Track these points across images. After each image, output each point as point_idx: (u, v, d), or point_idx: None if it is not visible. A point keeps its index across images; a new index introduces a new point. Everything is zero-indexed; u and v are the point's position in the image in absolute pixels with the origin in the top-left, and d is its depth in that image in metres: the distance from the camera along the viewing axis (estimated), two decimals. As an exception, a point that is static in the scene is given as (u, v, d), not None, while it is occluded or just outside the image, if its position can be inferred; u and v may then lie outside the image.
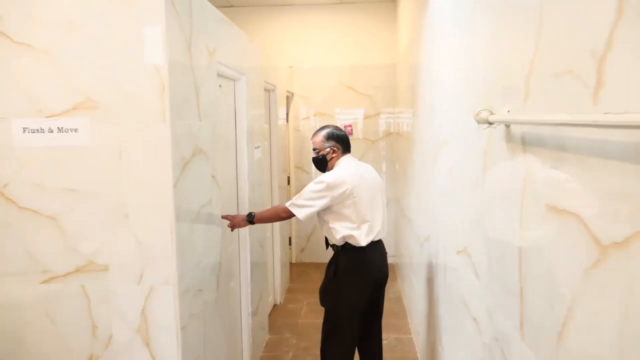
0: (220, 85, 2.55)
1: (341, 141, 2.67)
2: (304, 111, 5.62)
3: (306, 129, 5.63)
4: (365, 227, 2.53)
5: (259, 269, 3.40)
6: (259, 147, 3.41)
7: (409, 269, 4.09)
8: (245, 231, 3.03)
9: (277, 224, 4.42)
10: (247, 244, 3.05)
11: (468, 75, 1.87)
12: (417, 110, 3.56)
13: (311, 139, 2.73)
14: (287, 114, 5.41)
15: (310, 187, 2.51)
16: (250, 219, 2.60)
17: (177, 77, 1.83)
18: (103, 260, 1.82)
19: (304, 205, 2.50)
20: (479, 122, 1.49)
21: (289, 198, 6.00)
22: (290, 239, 5.57)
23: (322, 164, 2.67)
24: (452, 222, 2.19)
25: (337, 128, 2.71)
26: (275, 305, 4.34)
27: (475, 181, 1.76)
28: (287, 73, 5.25)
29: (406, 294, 4.34)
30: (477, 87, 1.73)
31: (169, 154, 1.77)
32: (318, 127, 2.78)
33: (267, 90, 4.06)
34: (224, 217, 2.48)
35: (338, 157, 2.66)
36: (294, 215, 2.53)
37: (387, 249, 2.75)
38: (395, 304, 4.39)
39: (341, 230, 2.52)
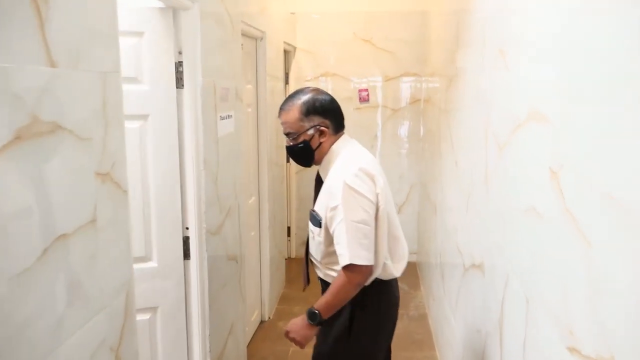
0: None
1: (330, 114, 1.70)
2: (310, 70, 4.49)
3: (311, 93, 4.51)
4: (398, 247, 1.71)
5: (231, 292, 2.41)
6: (230, 116, 2.35)
7: (437, 277, 3.05)
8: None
9: (265, 202, 3.39)
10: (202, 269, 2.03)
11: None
12: (463, 71, 2.43)
13: (279, 117, 1.73)
14: (287, 74, 4.30)
15: (340, 202, 1.56)
16: (317, 319, 1.61)
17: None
18: None
19: (362, 241, 1.55)
20: None
21: (288, 179, 5.14)
22: (289, 228, 4.56)
23: (304, 155, 1.71)
24: (551, 262, 1.13)
25: (318, 91, 1.73)
26: (262, 323, 3.36)
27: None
28: (288, 21, 4.11)
29: (432, 312, 3.32)
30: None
31: None
32: (289, 94, 1.76)
33: (250, 36, 2.96)
34: (286, 336, 1.69)
35: (330, 141, 1.71)
36: (369, 269, 1.58)
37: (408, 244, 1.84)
38: (418, 325, 3.37)
39: None
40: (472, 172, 2.07)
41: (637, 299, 0.77)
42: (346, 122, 1.78)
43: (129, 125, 1.85)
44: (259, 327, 3.29)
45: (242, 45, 2.72)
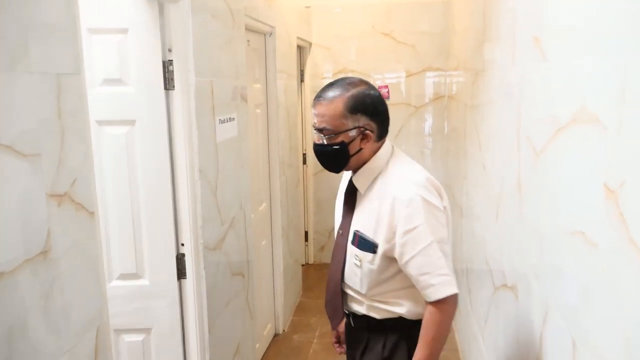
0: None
1: (379, 116, 1.38)
2: (327, 67, 4.26)
3: (328, 91, 4.28)
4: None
5: (236, 310, 2.21)
6: (232, 119, 2.15)
7: (462, 288, 2.80)
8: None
9: (278, 208, 3.20)
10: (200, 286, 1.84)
11: None
12: (491, 64, 2.17)
13: (314, 107, 1.38)
14: (302, 72, 4.09)
15: (424, 222, 1.29)
16: None
17: None
18: None
19: (450, 263, 1.31)
20: None
21: (306, 180, 4.82)
22: (306, 233, 4.35)
23: (338, 158, 1.38)
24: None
25: (369, 86, 1.40)
26: (275, 336, 3.17)
27: None
28: (302, 15, 3.89)
29: (459, 325, 3.06)
30: None
31: None
32: (331, 81, 1.40)
33: (258, 32, 2.76)
34: None
35: (371, 148, 1.39)
36: (455, 297, 1.31)
37: None
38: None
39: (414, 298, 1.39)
40: (503, 177, 1.81)
41: None
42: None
43: (114, 131, 1.69)
44: (272, 341, 3.10)
45: (248, 41, 2.52)
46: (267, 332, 3.02)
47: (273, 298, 3.13)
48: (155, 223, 1.74)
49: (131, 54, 1.63)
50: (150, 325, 1.81)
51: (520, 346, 1.52)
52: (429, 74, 4.16)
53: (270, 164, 3.02)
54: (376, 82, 4.21)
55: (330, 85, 1.38)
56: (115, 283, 1.76)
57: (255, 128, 2.71)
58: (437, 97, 4.18)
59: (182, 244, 1.78)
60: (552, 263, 1.21)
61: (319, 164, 1.43)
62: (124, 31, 1.62)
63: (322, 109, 1.34)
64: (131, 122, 1.68)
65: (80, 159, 1.11)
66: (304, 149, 4.20)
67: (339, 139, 1.35)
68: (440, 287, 1.27)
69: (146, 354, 1.83)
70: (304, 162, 4.22)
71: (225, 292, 2.10)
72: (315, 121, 1.37)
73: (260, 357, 2.85)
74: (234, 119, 2.17)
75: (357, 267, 1.39)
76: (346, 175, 1.52)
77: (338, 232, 1.48)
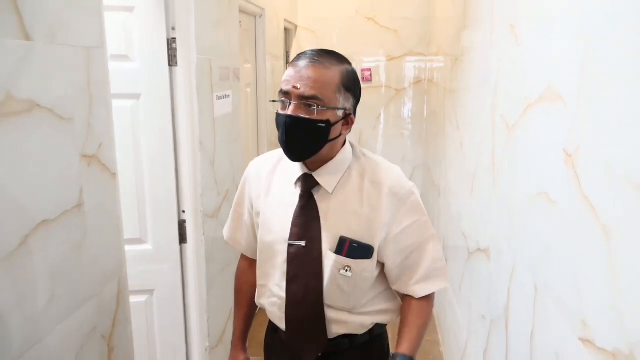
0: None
1: (357, 103, 1.20)
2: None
3: (313, 73, 4.40)
4: None
5: (230, 276, 2.36)
6: (227, 96, 2.27)
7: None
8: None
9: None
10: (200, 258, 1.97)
11: None
12: (469, 49, 2.33)
13: (303, 70, 1.09)
14: (288, 53, 4.19)
15: (425, 215, 1.21)
16: None
17: None
18: None
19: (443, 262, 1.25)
20: None
21: None
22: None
23: (317, 140, 1.11)
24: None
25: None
26: (261, 306, 3.33)
27: None
28: (289, -2, 3.98)
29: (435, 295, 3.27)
30: None
31: None
32: (324, 48, 1.17)
33: (249, 13, 2.86)
34: None
35: (342, 140, 1.19)
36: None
37: None
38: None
39: (394, 297, 1.30)
40: (479, 154, 1.99)
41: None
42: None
43: (120, 104, 1.78)
44: (259, 310, 3.25)
45: (240, 22, 2.62)
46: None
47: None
48: (158, 191, 1.85)
49: (137, 31, 1.73)
50: (153, 287, 1.94)
51: (490, 301, 1.71)
52: (409, 58, 4.32)
53: (259, 142, 3.15)
54: (359, 65, 4.35)
55: (320, 50, 1.14)
56: (120, 247, 1.88)
57: (245, 106, 2.82)
58: (418, 82, 4.35)
59: (184, 211, 1.91)
60: (521, 224, 1.39)
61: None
62: (130, 9, 1.72)
63: (316, 72, 1.08)
64: (136, 96, 1.78)
65: (105, 125, 1.22)
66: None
67: (326, 115, 1.09)
68: (437, 281, 1.23)
69: (149, 314, 1.96)
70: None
71: (221, 258, 2.24)
72: (299, 86, 1.08)
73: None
74: (229, 96, 2.29)
75: (346, 280, 1.16)
76: (265, 175, 1.25)
77: (295, 245, 1.16)
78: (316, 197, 1.17)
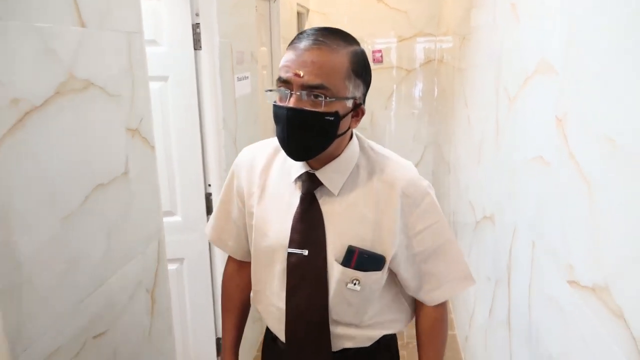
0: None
1: (367, 90, 1.03)
2: (322, 33, 4.47)
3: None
4: None
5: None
6: (246, 77, 2.41)
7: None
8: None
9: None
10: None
11: None
12: (476, 28, 2.43)
13: (304, 54, 0.92)
14: (300, 37, 4.30)
15: (442, 217, 1.11)
16: None
17: None
18: None
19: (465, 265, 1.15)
20: None
21: None
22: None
23: (323, 137, 0.96)
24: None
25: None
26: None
27: None
28: (300, -18, 4.07)
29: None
30: None
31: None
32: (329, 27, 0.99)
33: (264, -2, 2.98)
34: None
35: (350, 134, 1.05)
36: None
37: None
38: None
39: (403, 304, 1.19)
40: (484, 126, 2.11)
41: (630, 232, 0.83)
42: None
43: (150, 86, 1.93)
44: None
45: (255, 7, 2.74)
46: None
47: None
48: (186, 167, 2.01)
49: (164, 17, 1.87)
50: (183, 256, 2.11)
51: (495, 262, 1.85)
52: (420, 39, 4.40)
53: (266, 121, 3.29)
54: (370, 46, 4.44)
55: (324, 29, 0.96)
56: (152, 219, 2.05)
57: (262, 88, 2.96)
58: (428, 61, 4.44)
59: (209, 185, 2.06)
60: (520, 187, 1.52)
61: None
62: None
63: (322, 56, 0.91)
64: (164, 78, 1.93)
65: (144, 103, 1.37)
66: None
67: (335, 107, 0.93)
68: (461, 283, 1.13)
69: (179, 281, 2.13)
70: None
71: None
72: (302, 73, 0.91)
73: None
74: (247, 77, 2.43)
75: (354, 294, 1.04)
76: (259, 170, 1.10)
77: (296, 253, 1.03)
78: (319, 199, 1.03)
